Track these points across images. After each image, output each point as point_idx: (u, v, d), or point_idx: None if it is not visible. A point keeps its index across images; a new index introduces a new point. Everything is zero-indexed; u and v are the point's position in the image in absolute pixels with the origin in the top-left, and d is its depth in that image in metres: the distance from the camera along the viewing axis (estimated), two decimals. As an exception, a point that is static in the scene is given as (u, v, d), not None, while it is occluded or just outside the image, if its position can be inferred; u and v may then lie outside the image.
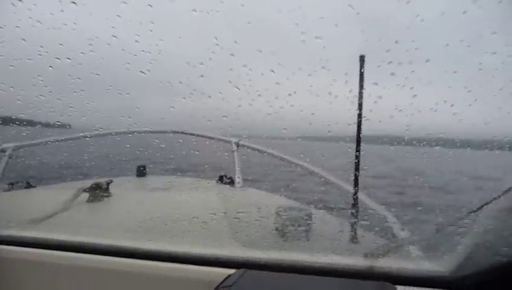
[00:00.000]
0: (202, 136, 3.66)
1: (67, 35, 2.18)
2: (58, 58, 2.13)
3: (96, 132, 3.45)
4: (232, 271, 1.34)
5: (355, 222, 2.25)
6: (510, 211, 1.33)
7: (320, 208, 2.54)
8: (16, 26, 2.14)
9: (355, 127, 2.20)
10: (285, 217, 2.17)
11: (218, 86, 2.21)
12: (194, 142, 3.55)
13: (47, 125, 2.85)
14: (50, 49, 2.15)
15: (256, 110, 2.15)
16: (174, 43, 2.24)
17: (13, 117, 2.45)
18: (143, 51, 2.12)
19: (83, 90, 2.29)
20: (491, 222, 1.41)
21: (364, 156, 2.27)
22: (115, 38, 2.10)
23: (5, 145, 3.29)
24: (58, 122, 2.66)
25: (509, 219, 1.35)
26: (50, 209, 2.41)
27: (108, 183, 3.01)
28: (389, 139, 2.30)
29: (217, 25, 2.09)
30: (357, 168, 2.25)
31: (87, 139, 3.55)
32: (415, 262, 1.56)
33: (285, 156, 3.33)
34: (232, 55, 2.00)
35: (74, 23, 2.13)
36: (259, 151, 3.62)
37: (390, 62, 1.74)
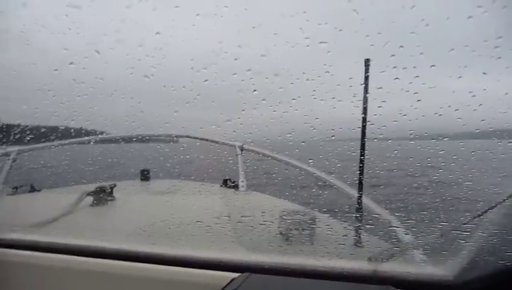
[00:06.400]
0: (206, 140, 3.67)
1: (71, 39, 2.19)
2: (62, 63, 2.14)
3: (100, 136, 3.46)
4: (236, 275, 1.34)
5: (359, 226, 2.24)
6: None
7: (324, 212, 2.54)
8: (21, 32, 2.15)
9: (359, 131, 2.19)
10: (290, 221, 2.17)
11: (222, 90, 2.22)
12: (198, 145, 3.56)
13: (51, 129, 2.85)
14: (54, 54, 2.16)
15: (260, 114, 2.15)
16: (178, 47, 2.25)
17: (17, 121, 2.46)
18: (147, 55, 2.13)
19: (86, 95, 2.29)
20: (495, 227, 1.40)
21: (369, 160, 2.26)
22: (118, 42, 2.11)
23: (9, 149, 3.30)
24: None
25: None
26: (54, 213, 2.41)
27: (112, 187, 3.01)
28: (393, 143, 2.29)
29: (221, 30, 2.09)
30: (361, 172, 2.24)
31: (91, 143, 3.56)
32: (419, 266, 1.55)
33: (289, 160, 3.32)
34: (236, 59, 2.00)
35: (78, 27, 2.14)
36: (263, 155, 3.61)
37: (395, 67, 1.74)
